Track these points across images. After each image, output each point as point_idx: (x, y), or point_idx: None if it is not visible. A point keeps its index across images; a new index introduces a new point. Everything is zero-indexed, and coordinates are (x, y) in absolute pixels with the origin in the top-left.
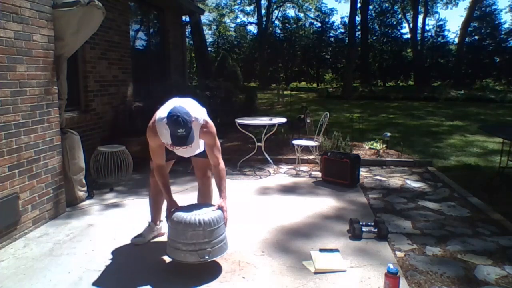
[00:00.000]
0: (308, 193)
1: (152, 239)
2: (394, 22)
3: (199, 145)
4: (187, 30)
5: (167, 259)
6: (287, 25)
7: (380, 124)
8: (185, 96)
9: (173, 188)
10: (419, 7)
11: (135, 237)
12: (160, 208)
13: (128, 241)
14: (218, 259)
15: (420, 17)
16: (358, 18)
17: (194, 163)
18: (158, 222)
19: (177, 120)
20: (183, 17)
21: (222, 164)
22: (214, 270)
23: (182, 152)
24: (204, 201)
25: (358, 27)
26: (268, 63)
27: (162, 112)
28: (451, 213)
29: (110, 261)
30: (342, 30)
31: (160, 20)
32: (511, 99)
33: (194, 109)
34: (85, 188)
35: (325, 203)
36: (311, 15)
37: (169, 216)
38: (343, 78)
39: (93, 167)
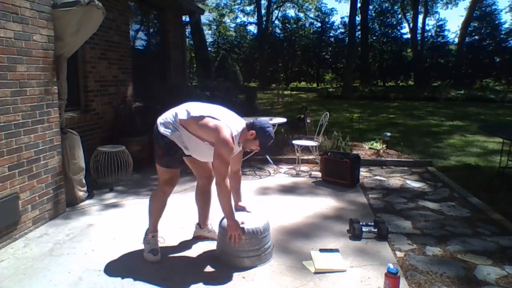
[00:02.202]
0: (308, 193)
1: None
2: (394, 22)
3: None
4: (187, 30)
5: (166, 258)
6: (287, 25)
7: (380, 124)
8: (184, 96)
9: None
10: (419, 7)
11: (150, 252)
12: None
13: (128, 241)
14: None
15: (420, 17)
16: (358, 18)
17: (202, 164)
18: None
19: (271, 133)
20: (183, 17)
21: None
22: (214, 270)
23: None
24: (207, 199)
25: (358, 27)
26: (268, 63)
27: (235, 125)
28: (451, 213)
29: (110, 261)
30: (342, 30)
31: (160, 20)
32: (511, 99)
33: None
34: (85, 188)
35: (325, 203)
36: (311, 15)
37: (232, 225)
38: (343, 78)
39: (93, 167)
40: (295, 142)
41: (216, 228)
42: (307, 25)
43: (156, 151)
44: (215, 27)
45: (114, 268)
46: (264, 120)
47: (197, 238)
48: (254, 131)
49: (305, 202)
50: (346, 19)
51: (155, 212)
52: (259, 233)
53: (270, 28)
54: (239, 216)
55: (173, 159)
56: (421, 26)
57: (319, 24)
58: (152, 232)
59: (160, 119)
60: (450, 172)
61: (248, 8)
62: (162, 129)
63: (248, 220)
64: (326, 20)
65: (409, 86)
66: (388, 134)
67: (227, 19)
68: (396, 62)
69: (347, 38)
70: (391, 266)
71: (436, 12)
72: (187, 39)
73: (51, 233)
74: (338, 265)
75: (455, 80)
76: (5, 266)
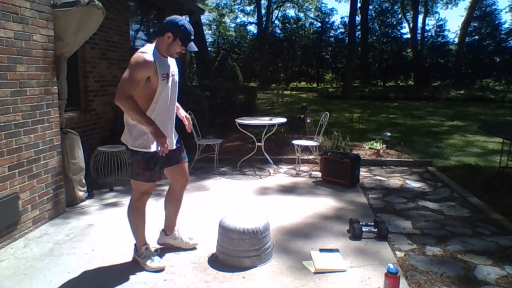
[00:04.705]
0: (308, 193)
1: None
2: (394, 22)
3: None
4: None
5: (166, 259)
6: (287, 25)
7: (380, 124)
8: (184, 96)
9: None
10: (419, 7)
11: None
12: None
13: (128, 241)
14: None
15: (420, 17)
16: (358, 18)
17: (180, 170)
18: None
19: (186, 24)
20: (183, 17)
21: None
22: (214, 270)
23: (172, 85)
24: (178, 205)
25: (358, 27)
26: (268, 63)
27: (147, 47)
28: (451, 213)
29: (110, 261)
30: (342, 30)
31: (160, 20)
32: (511, 99)
33: None
34: (85, 188)
35: (325, 203)
36: (311, 15)
37: (156, 131)
38: (343, 78)
39: (93, 167)
40: (295, 142)
41: (182, 236)
42: (307, 25)
43: (133, 167)
44: (215, 27)
45: (114, 268)
46: (173, 16)
47: (161, 245)
48: (169, 32)
49: (305, 202)
50: (346, 19)
51: (140, 225)
52: (259, 233)
53: (270, 28)
54: (239, 215)
55: (154, 172)
56: (421, 26)
57: (319, 24)
58: (143, 245)
59: (123, 137)
60: (450, 172)
61: (248, 8)
62: (130, 144)
63: (248, 220)
64: (326, 20)
65: (409, 86)
66: (388, 134)
67: (227, 19)
68: (396, 62)
69: (347, 38)
70: (391, 266)
71: (436, 12)
72: None
73: (51, 233)
74: (338, 265)
75: (455, 80)
76: (5, 266)
